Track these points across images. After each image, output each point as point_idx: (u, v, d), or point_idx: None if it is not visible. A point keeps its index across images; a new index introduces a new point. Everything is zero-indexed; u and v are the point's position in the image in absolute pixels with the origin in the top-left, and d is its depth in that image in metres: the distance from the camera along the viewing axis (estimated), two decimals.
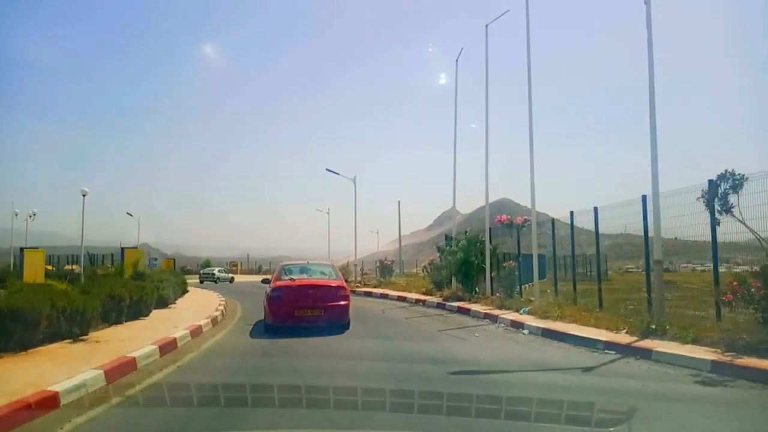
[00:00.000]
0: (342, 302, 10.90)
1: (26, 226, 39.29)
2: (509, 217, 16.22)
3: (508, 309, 14.09)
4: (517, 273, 16.05)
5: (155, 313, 13.22)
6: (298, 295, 10.71)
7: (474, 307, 15.18)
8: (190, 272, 61.45)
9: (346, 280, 32.36)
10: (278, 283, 11.29)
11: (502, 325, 12.26)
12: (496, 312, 13.69)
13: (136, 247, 32.24)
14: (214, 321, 12.43)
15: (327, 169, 31.73)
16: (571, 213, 14.64)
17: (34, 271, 23.80)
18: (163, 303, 15.01)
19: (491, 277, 17.16)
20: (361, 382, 6.13)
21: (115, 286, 11.17)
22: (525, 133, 14.14)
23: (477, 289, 18.14)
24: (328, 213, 49.90)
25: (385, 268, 30.13)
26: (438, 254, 20.87)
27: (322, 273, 12.08)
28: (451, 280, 19.71)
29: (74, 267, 43.31)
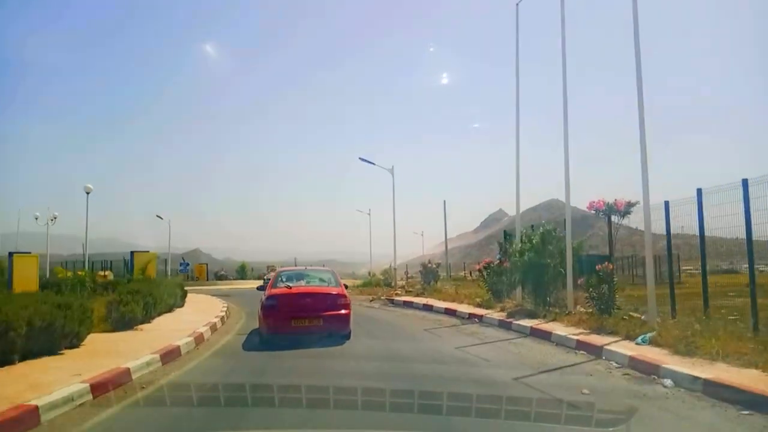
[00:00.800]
0: (342, 311, 10.00)
1: (47, 229, 36.76)
2: (606, 201, 11.53)
3: (610, 333, 9.44)
4: (616, 280, 11.31)
5: (99, 338, 9.38)
6: (294, 303, 9.90)
7: (555, 328, 10.54)
8: (224, 278, 58.59)
9: (388, 285, 28.46)
10: (273, 291, 10.33)
11: (615, 364, 7.63)
12: (594, 340, 9.06)
13: (148, 250, 29.24)
14: (169, 355, 8.32)
15: (360, 158, 27.70)
16: (699, 191, 9.93)
17: (26, 278, 20.41)
18: (128, 323, 11.11)
19: (573, 285, 12.50)
20: None
21: (4, 304, 7.19)
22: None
23: (550, 299, 13.49)
24: (369, 214, 46.14)
25: (429, 272, 25.24)
26: (498, 255, 16.21)
27: (321, 280, 11.13)
28: (514, 289, 15.14)
29: (106, 273, 41.15)
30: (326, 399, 5.30)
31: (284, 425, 4.78)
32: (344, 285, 11.13)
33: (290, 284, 10.64)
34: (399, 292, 23.66)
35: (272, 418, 5.14)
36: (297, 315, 9.69)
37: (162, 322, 12.86)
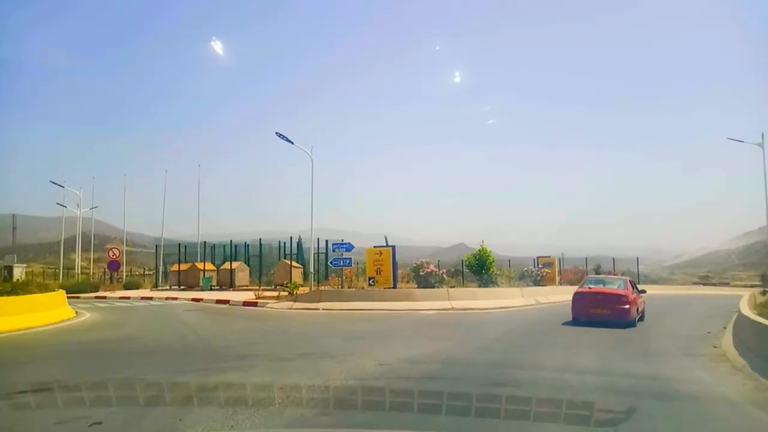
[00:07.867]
0: (624, 306, 14.33)
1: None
2: None
3: None
4: None
5: None
6: (590, 298, 14.91)
7: None
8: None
9: None
10: (579, 290, 15.83)
11: None
12: None
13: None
14: None
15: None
16: None
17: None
18: None
19: None
20: None
21: None
22: None
23: None
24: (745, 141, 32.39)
25: None
26: None
27: (613, 284, 15.70)
28: None
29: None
30: None
31: None
32: (639, 290, 16.13)
33: (591, 286, 15.85)
34: None
35: None
36: (592, 306, 14.66)
37: None
